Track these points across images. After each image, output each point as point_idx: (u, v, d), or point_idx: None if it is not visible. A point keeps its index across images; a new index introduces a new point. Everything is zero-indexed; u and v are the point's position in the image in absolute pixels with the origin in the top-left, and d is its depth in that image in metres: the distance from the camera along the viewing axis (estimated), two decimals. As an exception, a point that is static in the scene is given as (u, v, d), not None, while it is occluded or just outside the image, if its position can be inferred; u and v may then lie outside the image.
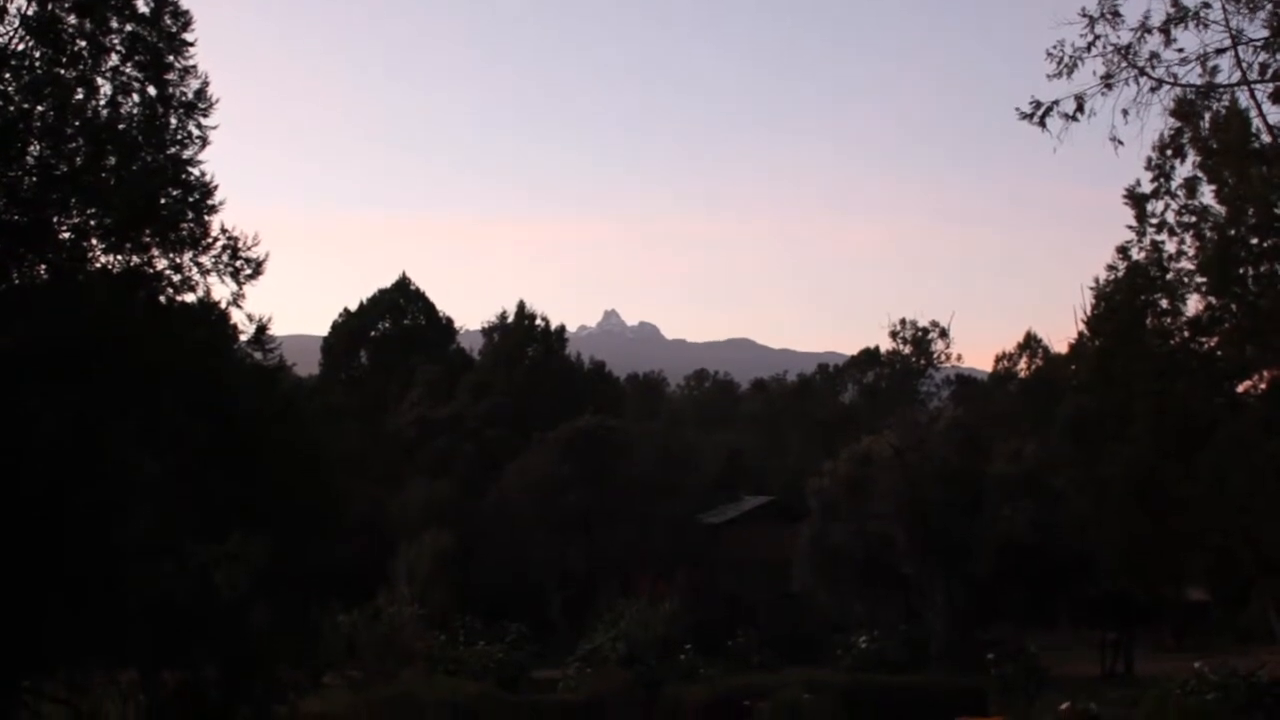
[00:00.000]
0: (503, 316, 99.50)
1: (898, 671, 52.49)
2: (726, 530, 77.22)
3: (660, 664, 48.06)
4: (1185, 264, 33.65)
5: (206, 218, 20.92)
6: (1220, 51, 22.28)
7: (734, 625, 62.98)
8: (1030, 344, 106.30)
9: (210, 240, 20.90)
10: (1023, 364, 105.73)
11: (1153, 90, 22.12)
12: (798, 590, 65.90)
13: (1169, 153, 31.58)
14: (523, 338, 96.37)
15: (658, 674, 47.26)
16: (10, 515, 16.26)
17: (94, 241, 20.09)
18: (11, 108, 19.48)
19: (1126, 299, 34.46)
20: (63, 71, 20.20)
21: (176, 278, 20.67)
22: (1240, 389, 34.65)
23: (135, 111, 20.84)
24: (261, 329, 21.88)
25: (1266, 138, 30.59)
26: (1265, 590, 48.15)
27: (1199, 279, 33.26)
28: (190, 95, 21.30)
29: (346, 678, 35.96)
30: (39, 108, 19.80)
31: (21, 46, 19.81)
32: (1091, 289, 37.14)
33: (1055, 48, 21.78)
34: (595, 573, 65.37)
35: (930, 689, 49.59)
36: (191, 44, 21.31)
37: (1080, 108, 21.74)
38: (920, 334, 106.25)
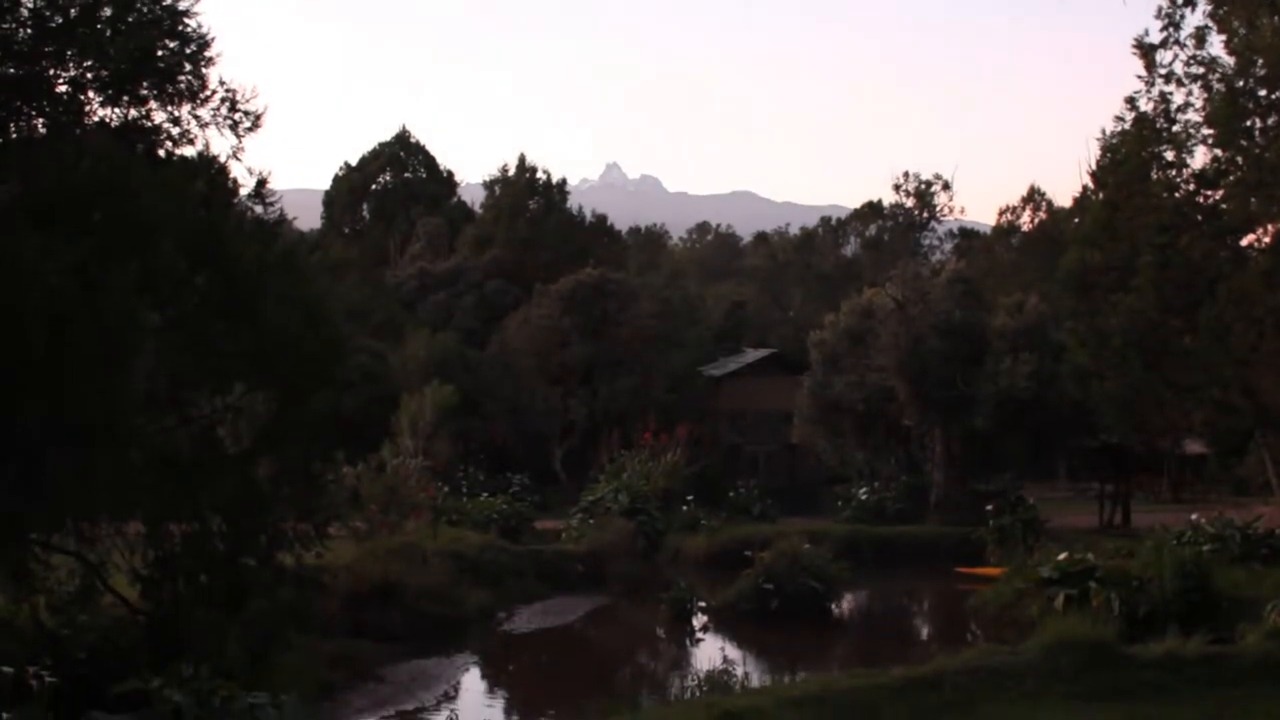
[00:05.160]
0: (504, 170, 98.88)
1: (897, 522, 53.17)
2: (728, 383, 77.70)
3: (662, 515, 48.56)
4: (1193, 115, 33.25)
5: (204, 70, 20.58)
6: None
7: (735, 477, 63.65)
8: (1034, 197, 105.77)
9: (208, 93, 20.60)
10: (1026, 217, 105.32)
11: (1165, -64, 21.72)
12: (798, 442, 66.42)
13: (1179, 1, 31.17)
14: (524, 191, 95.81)
15: (659, 525, 47.78)
16: (12, 367, 16.24)
17: (91, 95, 19.81)
18: (4, -43, 19.13)
19: (1133, 151, 34.09)
20: (55, -81, 19.79)
21: (175, 131, 20.41)
22: (1244, 242, 34.43)
23: (130, -39, 20.45)
24: (261, 182, 21.69)
25: (1279, -13, 30.16)
26: (1263, 443, 48.45)
27: (1206, 131, 32.88)
28: (186, -56, 20.86)
29: (351, 529, 36.22)
30: (32, -43, 19.44)
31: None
32: (1098, 140, 36.78)
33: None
34: (597, 425, 65.75)
35: (929, 540, 50.31)
36: (186, -110, 20.82)
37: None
38: (923, 187, 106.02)
